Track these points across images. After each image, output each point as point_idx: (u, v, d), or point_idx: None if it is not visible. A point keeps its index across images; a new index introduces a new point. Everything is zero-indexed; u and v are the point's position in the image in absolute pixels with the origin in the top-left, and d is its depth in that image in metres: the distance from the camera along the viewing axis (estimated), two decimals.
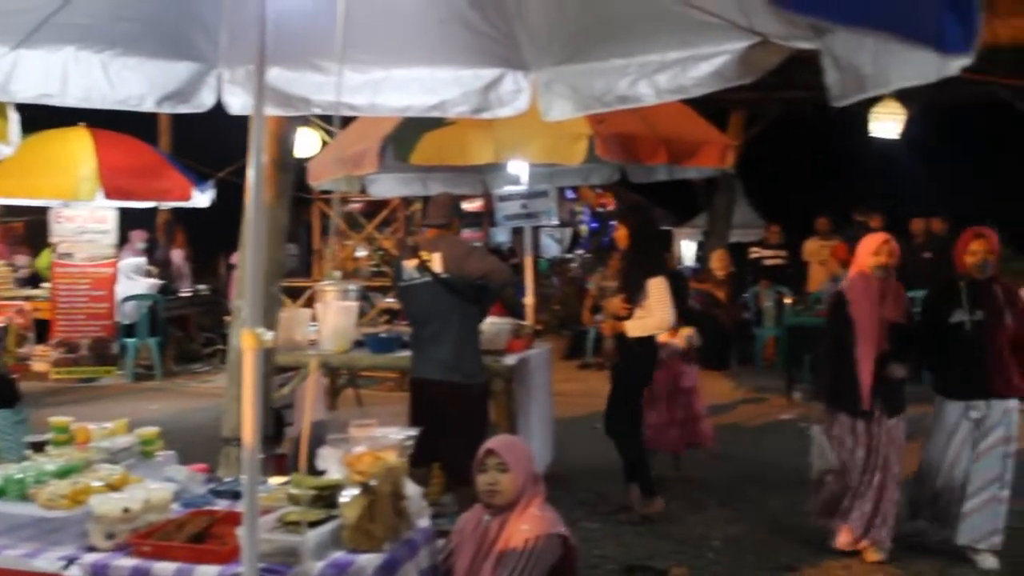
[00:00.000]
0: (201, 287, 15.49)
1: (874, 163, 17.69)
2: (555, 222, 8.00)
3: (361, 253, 14.49)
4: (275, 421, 5.97)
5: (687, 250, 23.69)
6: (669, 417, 7.35)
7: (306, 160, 8.79)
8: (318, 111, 4.18)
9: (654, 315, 6.31)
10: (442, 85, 4.08)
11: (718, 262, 13.74)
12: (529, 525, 3.58)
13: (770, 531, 6.36)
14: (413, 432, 3.66)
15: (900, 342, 5.59)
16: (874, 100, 12.05)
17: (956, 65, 2.12)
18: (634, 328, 6.35)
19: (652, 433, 7.17)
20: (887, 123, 11.72)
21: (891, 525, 5.68)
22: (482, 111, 4.03)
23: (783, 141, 18.36)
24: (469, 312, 5.82)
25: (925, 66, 2.20)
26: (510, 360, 6.62)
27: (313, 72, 4.05)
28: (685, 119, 7.57)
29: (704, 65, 3.29)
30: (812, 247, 13.72)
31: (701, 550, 6.00)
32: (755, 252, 14.73)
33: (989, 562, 5.61)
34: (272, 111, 4.18)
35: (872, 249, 5.61)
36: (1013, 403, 5.61)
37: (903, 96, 12.36)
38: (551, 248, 23.37)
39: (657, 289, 6.31)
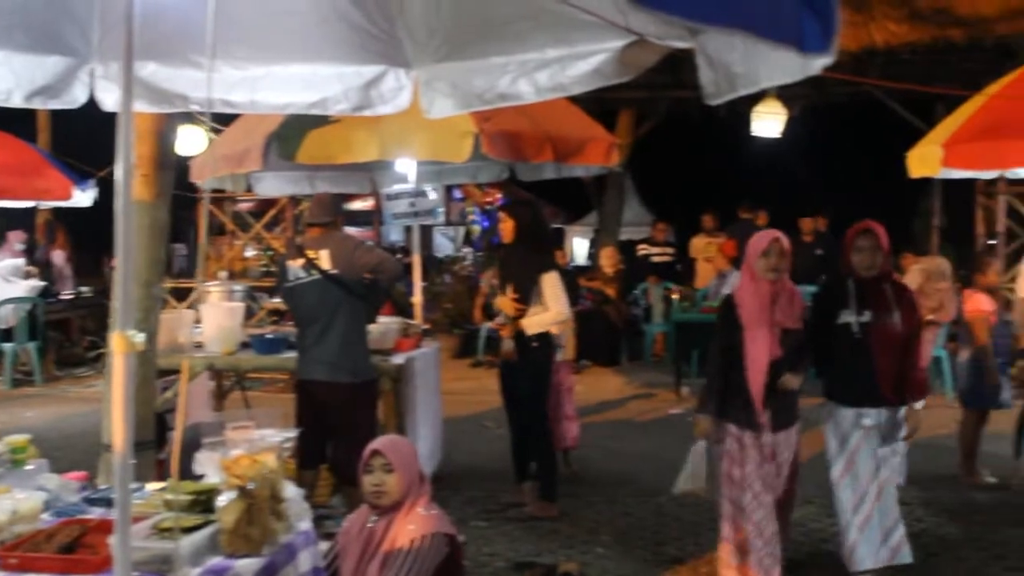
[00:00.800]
0: (84, 289, 15.02)
1: (760, 161, 18.05)
2: (442, 220, 7.98)
3: (250, 253, 14.26)
4: (158, 425, 5.82)
5: (579, 248, 23.89)
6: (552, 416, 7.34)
7: (190, 158, 8.62)
8: (195, 108, 4.08)
9: (551, 310, 6.34)
10: (323, 82, 4.02)
11: (608, 259, 13.90)
12: (415, 525, 3.57)
13: (658, 524, 6.45)
14: (292, 434, 3.62)
15: (794, 349, 5.10)
16: (757, 99, 12.32)
17: (818, 64, 2.17)
18: (532, 325, 6.36)
19: None
20: (769, 122, 11.97)
21: (778, 551, 5.11)
22: (363, 108, 3.98)
23: (672, 139, 18.66)
24: (356, 310, 5.78)
25: (790, 65, 2.25)
26: (398, 359, 6.58)
27: (190, 68, 3.94)
28: (571, 117, 7.63)
29: (582, 63, 3.31)
30: (699, 244, 13.96)
31: (590, 545, 6.05)
32: (643, 249, 14.93)
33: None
34: (146, 108, 4.06)
35: (761, 248, 5.06)
36: (903, 409, 5.24)
37: (784, 96, 12.67)
38: (445, 246, 23.34)
39: (551, 283, 6.34)
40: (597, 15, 3.15)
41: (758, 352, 5.03)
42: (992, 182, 9.47)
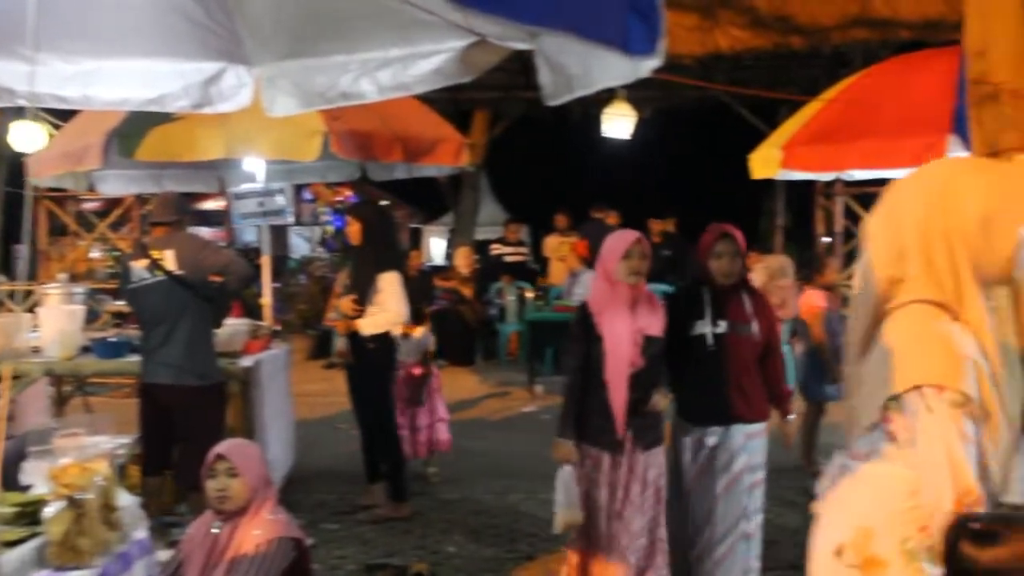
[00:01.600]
0: None
1: (612, 162, 18.37)
2: (291, 220, 7.86)
3: (96, 254, 13.77)
4: None
5: (436, 248, 23.88)
6: (415, 422, 7.31)
7: (26, 155, 8.27)
8: (21, 103, 3.91)
9: (388, 311, 6.30)
10: (161, 78, 3.90)
11: (463, 259, 13.94)
12: (261, 530, 3.51)
13: (511, 521, 6.49)
14: (126, 440, 3.51)
15: (658, 358, 4.67)
16: (607, 101, 12.54)
17: (647, 66, 2.21)
18: (368, 325, 6.31)
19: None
20: (619, 123, 12.16)
21: (631, 561, 4.65)
22: (203, 106, 3.88)
23: (527, 140, 18.82)
24: (202, 311, 5.64)
25: (622, 67, 2.29)
26: (246, 362, 6.45)
27: (16, 61, 3.78)
28: (422, 117, 7.62)
29: (424, 63, 3.30)
30: (552, 243, 14.11)
31: (443, 544, 6.05)
32: (496, 249, 15.03)
33: None
34: None
35: (621, 251, 4.58)
36: (758, 427, 4.82)
37: (634, 98, 12.92)
38: (301, 247, 23.01)
39: (390, 284, 6.30)
40: (438, 15, 3.15)
41: (618, 363, 4.57)
42: (830, 184, 9.85)
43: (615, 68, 2.32)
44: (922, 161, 6.37)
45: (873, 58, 10.22)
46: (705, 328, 4.74)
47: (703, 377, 4.76)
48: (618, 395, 4.57)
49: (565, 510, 4.64)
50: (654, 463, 4.69)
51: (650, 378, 4.64)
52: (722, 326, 4.74)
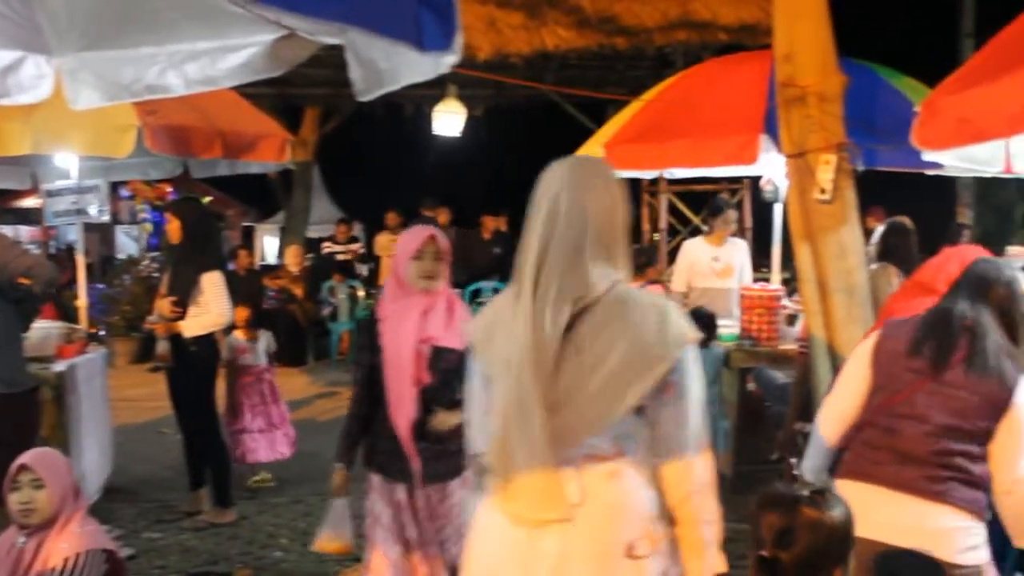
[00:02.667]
0: None
1: (447, 159, 18.39)
2: (106, 218, 7.56)
3: None
4: None
5: (270, 246, 23.41)
6: (256, 426, 7.15)
7: None
8: None
9: (210, 311, 6.14)
10: None
11: (292, 258, 13.72)
12: (68, 543, 3.38)
13: None
14: None
15: (452, 373, 3.82)
16: (438, 98, 12.57)
17: (447, 62, 2.21)
18: (190, 327, 6.13)
19: (240, 443, 7.01)
20: (449, 120, 12.23)
21: None
22: (1, 97, 3.69)
23: (360, 136, 18.66)
24: (8, 314, 5.36)
25: (425, 63, 2.29)
26: (60, 367, 6.17)
27: None
28: (243, 113, 7.46)
29: (233, 56, 3.22)
30: (383, 241, 14.03)
31: (269, 549, 5.94)
32: (327, 247, 14.86)
33: None
34: None
35: (412, 250, 3.98)
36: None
37: (466, 96, 13.00)
38: (128, 246, 22.19)
39: (212, 284, 6.13)
40: (248, 8, 3.08)
41: (399, 378, 3.92)
42: (655, 182, 10.07)
43: (420, 64, 2.32)
44: (737, 159, 6.67)
45: (695, 60, 10.57)
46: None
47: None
48: (401, 415, 3.91)
49: (327, 536, 4.15)
50: (453, 496, 4.00)
51: (444, 396, 3.90)
52: None
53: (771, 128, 5.71)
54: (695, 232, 10.18)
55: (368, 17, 2.02)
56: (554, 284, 2.40)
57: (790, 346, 6.49)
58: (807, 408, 5.32)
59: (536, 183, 2.59)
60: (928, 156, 4.19)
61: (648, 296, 2.51)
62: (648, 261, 7.74)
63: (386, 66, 2.54)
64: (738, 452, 6.81)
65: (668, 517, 2.49)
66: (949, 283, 3.41)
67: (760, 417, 6.74)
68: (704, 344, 6.73)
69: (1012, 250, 12.03)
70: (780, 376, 6.58)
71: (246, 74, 3.21)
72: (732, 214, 7.92)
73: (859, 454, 3.30)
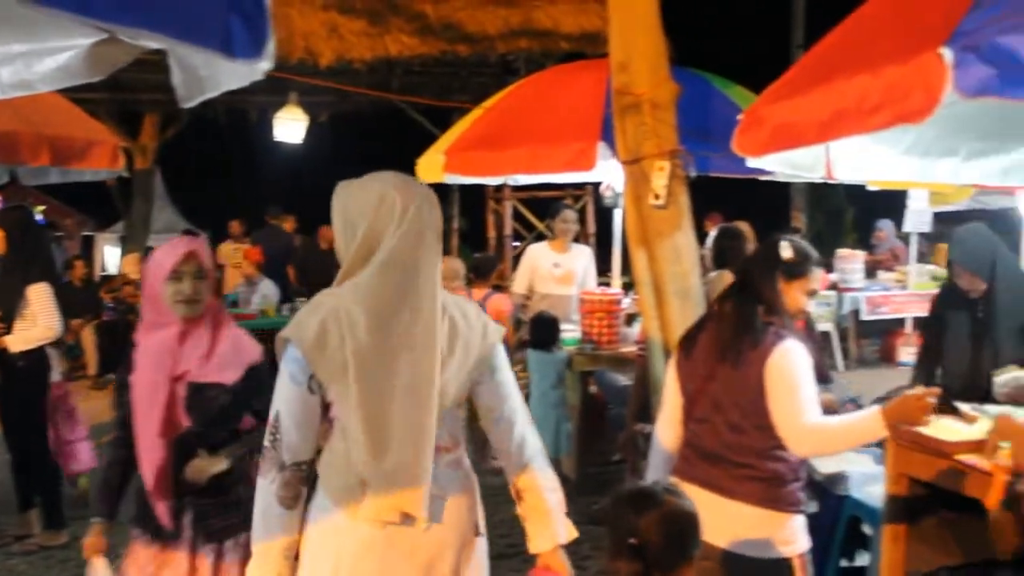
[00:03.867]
0: None
1: (292, 167, 18.15)
2: None
3: None
4: None
5: (111, 256, 22.65)
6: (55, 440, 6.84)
7: None
8: None
9: (38, 325, 5.89)
10: None
11: (132, 266, 13.32)
12: None
13: None
14: None
15: (217, 413, 3.37)
16: (281, 105, 12.39)
17: (261, 69, 2.19)
18: (16, 342, 5.87)
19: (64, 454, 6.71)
20: (290, 127, 12.08)
21: None
22: None
23: (203, 143, 18.22)
24: None
25: (242, 70, 2.25)
26: None
27: None
28: (73, 118, 7.19)
29: (49, 60, 3.08)
30: (226, 250, 13.75)
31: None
32: None
33: None
34: None
35: (167, 270, 3.40)
36: None
37: (309, 103, 12.85)
38: None
39: (39, 296, 5.88)
40: (63, 10, 2.97)
41: (146, 421, 3.34)
42: (499, 188, 10.17)
43: (238, 71, 2.28)
44: (575, 166, 6.77)
45: (537, 67, 10.69)
46: None
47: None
48: (148, 464, 3.35)
49: None
50: (227, 557, 3.42)
51: (204, 441, 3.39)
52: None
53: (608, 135, 5.81)
54: (540, 238, 10.30)
55: (177, 24, 1.97)
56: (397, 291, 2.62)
57: (630, 349, 6.62)
58: (646, 409, 5.44)
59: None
60: (750, 163, 4.33)
61: (461, 299, 2.84)
62: (491, 268, 7.80)
63: (206, 72, 2.48)
64: (582, 454, 6.91)
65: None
66: None
67: (602, 419, 6.86)
68: (548, 348, 6.82)
69: (842, 252, 12.58)
70: (621, 378, 6.71)
71: (64, 78, 3.08)
72: (570, 214, 8.05)
73: (683, 456, 3.41)
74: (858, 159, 4.90)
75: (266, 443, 2.62)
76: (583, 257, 8.09)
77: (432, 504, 2.62)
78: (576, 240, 8.27)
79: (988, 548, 3.66)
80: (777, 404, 3.20)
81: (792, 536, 3.26)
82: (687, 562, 2.42)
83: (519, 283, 8.05)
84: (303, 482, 2.63)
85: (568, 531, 2.80)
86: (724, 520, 3.22)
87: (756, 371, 3.22)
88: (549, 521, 2.77)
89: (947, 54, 2.88)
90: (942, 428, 4.13)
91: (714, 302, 3.52)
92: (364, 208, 2.69)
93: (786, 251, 3.39)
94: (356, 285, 2.65)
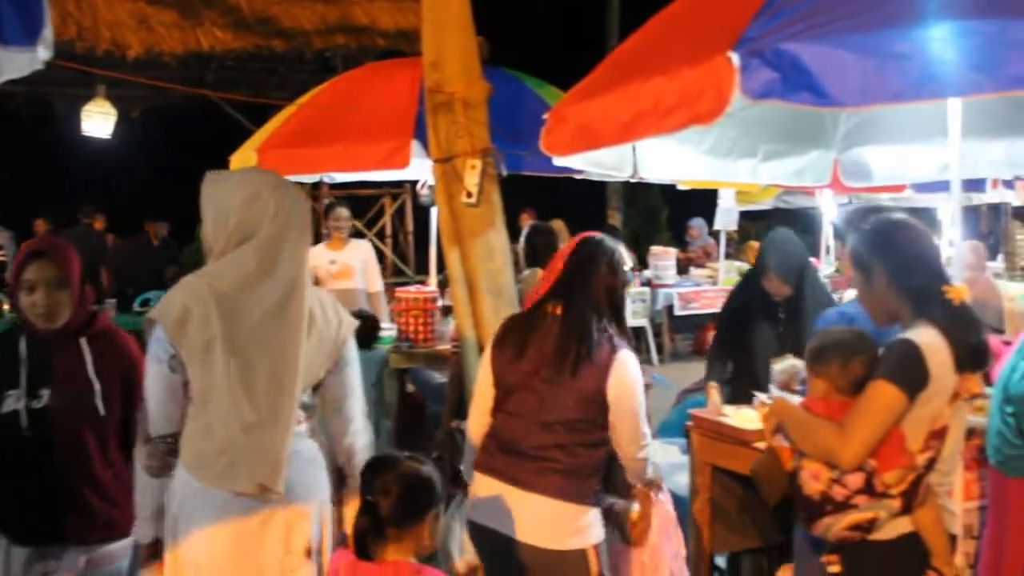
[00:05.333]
0: None
1: (106, 163, 17.45)
2: None
3: None
4: None
5: None
6: None
7: None
8: None
9: None
10: None
11: None
12: None
13: None
14: None
15: None
16: (88, 97, 11.88)
17: (39, 57, 2.12)
18: None
19: None
20: (99, 122, 11.61)
21: None
22: None
23: (4, 138, 17.32)
24: None
25: (17, 58, 2.17)
26: None
27: None
28: None
29: None
30: None
31: None
32: None
33: None
34: None
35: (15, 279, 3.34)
36: (120, 545, 3.46)
37: (121, 97, 12.38)
38: None
39: None
40: None
41: None
42: (316, 186, 10.03)
43: (17, 60, 2.19)
44: (389, 164, 6.73)
45: (355, 64, 10.58)
46: (16, 403, 3.31)
47: (17, 471, 3.34)
48: None
49: None
50: None
51: None
52: (44, 397, 3.34)
53: (422, 133, 5.82)
54: (357, 236, 10.22)
55: None
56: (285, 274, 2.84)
57: (446, 346, 6.64)
58: (462, 406, 5.47)
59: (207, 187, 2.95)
60: (557, 161, 4.40)
61: (322, 292, 3.09)
62: None
63: None
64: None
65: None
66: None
67: (420, 417, 6.86)
68: (365, 347, 6.78)
69: (655, 249, 12.95)
70: (437, 376, 6.72)
71: None
72: (341, 212, 8.10)
73: (484, 448, 3.44)
74: (663, 159, 5.06)
75: (138, 416, 2.89)
76: (360, 251, 8.20)
77: (289, 475, 2.81)
78: (361, 236, 8.25)
79: (784, 531, 3.85)
80: (621, 417, 3.30)
81: (588, 527, 3.32)
82: (419, 522, 2.66)
83: None
84: (170, 453, 2.85)
85: None
86: (522, 512, 3.27)
87: (594, 380, 3.27)
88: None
89: (735, 58, 3.00)
90: (741, 418, 4.33)
91: (542, 301, 3.51)
92: (236, 203, 2.86)
93: (627, 262, 3.50)
94: (223, 267, 2.86)
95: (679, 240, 15.27)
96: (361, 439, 3.09)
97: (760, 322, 5.10)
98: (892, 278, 2.94)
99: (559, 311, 3.38)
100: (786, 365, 4.26)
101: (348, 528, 2.90)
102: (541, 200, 11.89)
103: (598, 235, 3.54)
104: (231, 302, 2.78)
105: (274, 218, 2.84)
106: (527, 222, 8.47)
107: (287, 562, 2.87)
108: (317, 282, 7.87)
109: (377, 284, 8.08)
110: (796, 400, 3.22)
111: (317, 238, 11.18)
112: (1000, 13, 2.94)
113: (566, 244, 3.61)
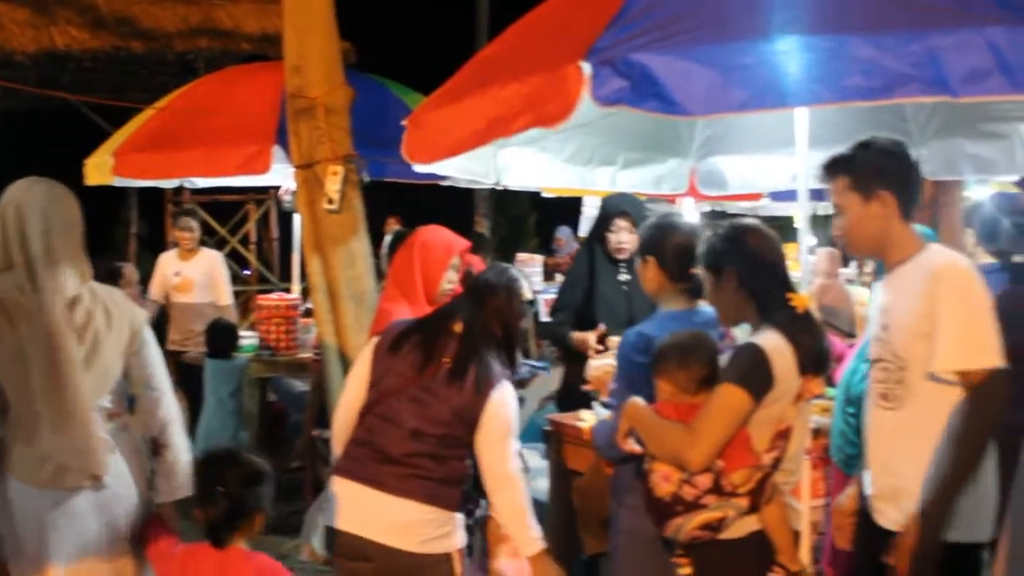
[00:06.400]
0: None
1: None
2: None
3: None
4: None
5: None
6: None
7: None
8: None
9: None
10: None
11: None
12: None
13: None
14: None
15: None
16: None
17: None
18: None
19: None
20: None
21: None
22: None
23: None
24: None
25: None
26: None
27: None
28: None
29: None
30: None
31: None
32: None
33: None
34: None
35: None
36: None
37: None
38: None
39: None
40: None
41: None
42: (178, 191, 9.79)
43: None
44: (249, 169, 6.63)
45: (218, 68, 10.35)
46: None
47: None
48: None
49: None
50: None
51: None
52: None
53: (284, 139, 5.74)
54: (221, 243, 10.03)
55: None
56: (50, 283, 3.02)
57: (308, 354, 6.56)
58: (324, 415, 5.41)
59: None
60: (418, 168, 4.40)
61: (109, 288, 3.27)
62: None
63: None
64: None
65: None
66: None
67: (281, 427, 6.77)
68: (225, 356, 6.65)
69: (522, 256, 13.04)
70: (299, 384, 6.64)
71: None
72: (186, 222, 7.72)
73: (347, 452, 3.40)
74: (525, 167, 5.10)
75: None
76: (206, 263, 7.78)
77: (109, 465, 3.06)
78: (210, 245, 7.98)
79: None
80: (488, 447, 3.30)
81: (452, 532, 3.33)
82: (253, 511, 2.96)
83: (153, 290, 7.76)
84: None
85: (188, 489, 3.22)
86: (386, 516, 3.25)
87: (473, 402, 3.27)
88: (173, 476, 3.27)
89: (586, 67, 3.07)
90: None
91: (440, 314, 3.49)
92: (6, 212, 3.07)
93: (527, 295, 3.50)
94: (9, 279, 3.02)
95: (545, 247, 15.36)
96: (173, 410, 3.33)
97: (604, 284, 5.11)
98: (741, 282, 3.02)
99: (456, 328, 3.37)
100: (602, 363, 4.24)
101: (157, 497, 3.27)
102: (409, 207, 11.86)
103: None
104: (24, 311, 2.98)
105: (44, 232, 3.04)
106: (392, 228, 8.42)
107: (114, 548, 3.13)
108: (165, 293, 7.68)
109: (226, 297, 7.66)
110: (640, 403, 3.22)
111: (163, 246, 10.98)
112: (839, 30, 3.06)
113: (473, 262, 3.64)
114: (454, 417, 3.28)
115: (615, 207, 5.08)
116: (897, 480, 2.97)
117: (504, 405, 3.31)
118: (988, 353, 2.80)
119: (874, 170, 2.98)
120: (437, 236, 4.11)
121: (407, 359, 3.37)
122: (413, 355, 3.37)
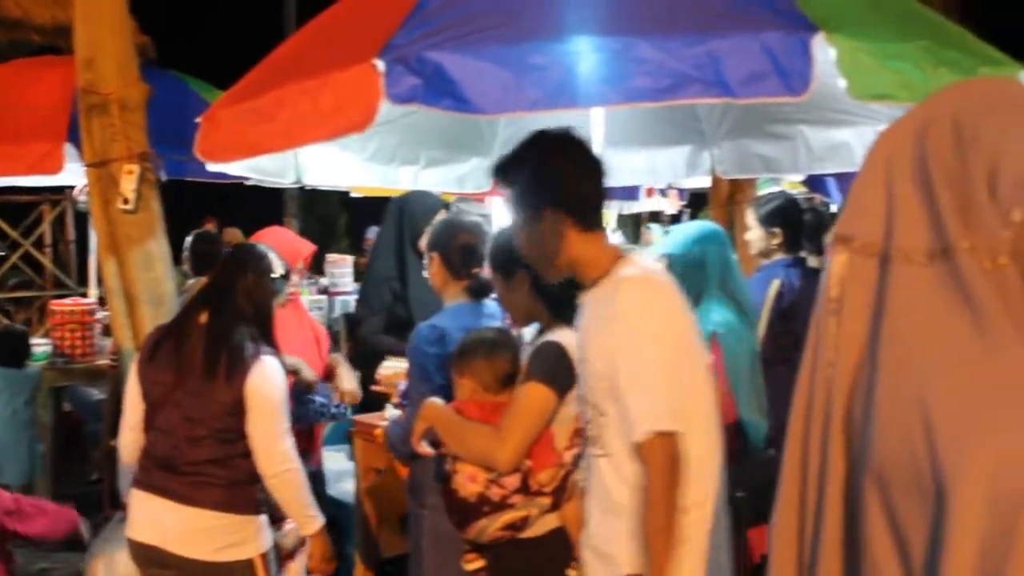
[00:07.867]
0: None
1: None
2: None
3: None
4: None
5: None
6: None
7: None
8: None
9: None
10: None
11: None
12: None
13: None
14: None
15: None
16: None
17: None
18: None
19: None
20: None
21: None
22: None
23: None
24: None
25: None
26: None
27: None
28: None
29: None
30: None
31: None
32: None
33: None
34: None
35: None
36: None
37: None
38: None
39: None
40: None
41: None
42: None
43: None
44: (40, 169, 6.35)
45: (5, 60, 9.83)
46: None
47: None
48: None
49: None
50: None
51: None
52: None
53: (75, 136, 5.51)
54: (14, 247, 9.55)
55: None
56: None
57: (105, 361, 6.33)
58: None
59: None
60: (212, 167, 4.28)
61: None
62: None
63: None
64: (57, 476, 6.50)
65: None
66: None
67: (78, 437, 6.51)
68: (16, 364, 6.35)
69: (332, 256, 12.88)
70: (96, 393, 6.39)
71: None
72: None
73: (141, 465, 3.34)
74: (326, 165, 5.04)
75: None
76: None
77: None
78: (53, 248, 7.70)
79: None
80: (256, 424, 3.25)
81: (253, 536, 3.28)
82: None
83: None
84: None
85: None
86: (183, 527, 3.21)
87: (232, 388, 3.22)
88: None
89: (380, 64, 3.05)
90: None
91: (188, 310, 3.45)
92: None
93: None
94: None
95: (356, 247, 15.23)
96: None
97: (417, 287, 4.92)
98: (533, 283, 3.05)
99: (203, 319, 3.31)
100: (392, 365, 4.25)
101: None
102: (221, 208, 11.58)
103: (251, 243, 3.51)
104: None
105: None
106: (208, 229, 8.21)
107: None
108: None
109: None
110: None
111: None
112: (627, 32, 3.14)
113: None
114: (220, 411, 3.24)
115: (432, 206, 4.97)
116: (607, 545, 2.63)
117: (265, 383, 3.27)
118: (648, 420, 2.44)
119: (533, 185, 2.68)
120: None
121: (163, 366, 3.32)
122: (167, 360, 3.32)
